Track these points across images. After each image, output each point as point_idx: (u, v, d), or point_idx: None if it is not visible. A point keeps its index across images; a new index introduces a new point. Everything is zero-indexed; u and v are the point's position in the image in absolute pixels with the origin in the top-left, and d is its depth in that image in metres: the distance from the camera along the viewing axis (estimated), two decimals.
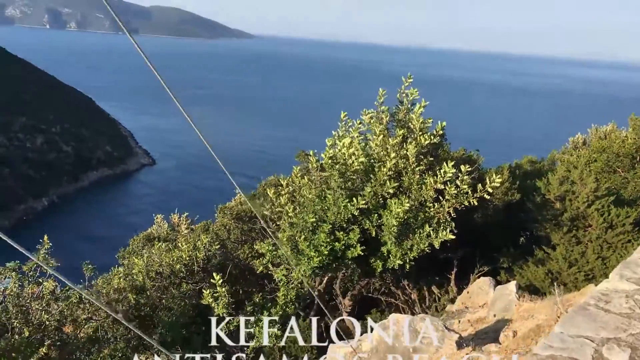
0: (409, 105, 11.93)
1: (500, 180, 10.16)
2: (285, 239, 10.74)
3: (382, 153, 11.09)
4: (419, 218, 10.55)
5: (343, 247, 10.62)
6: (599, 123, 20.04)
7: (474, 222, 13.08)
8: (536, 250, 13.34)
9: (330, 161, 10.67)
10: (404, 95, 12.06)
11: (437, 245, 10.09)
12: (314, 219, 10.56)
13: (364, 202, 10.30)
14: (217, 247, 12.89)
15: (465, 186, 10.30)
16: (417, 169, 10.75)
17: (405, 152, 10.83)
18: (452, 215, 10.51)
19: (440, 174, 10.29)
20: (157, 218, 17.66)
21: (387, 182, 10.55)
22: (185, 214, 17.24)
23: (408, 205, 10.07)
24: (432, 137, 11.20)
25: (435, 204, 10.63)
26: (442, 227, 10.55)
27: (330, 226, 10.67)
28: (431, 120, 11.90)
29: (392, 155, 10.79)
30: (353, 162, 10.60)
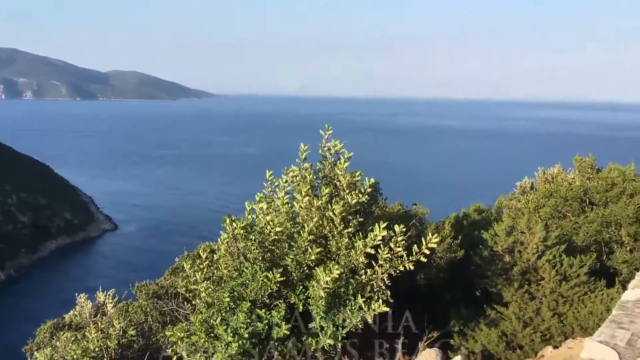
0: (332, 160, 10.91)
1: (437, 240, 9.07)
2: (197, 322, 9.33)
3: (306, 217, 9.93)
4: (350, 287, 9.33)
5: (266, 326, 9.29)
6: (547, 164, 19.49)
7: (417, 285, 11.92)
8: (488, 309, 12.21)
9: (243, 231, 9.43)
10: (326, 149, 11.06)
11: (370, 320, 8.84)
12: (228, 299, 9.23)
13: (280, 274, 9.03)
14: (132, 333, 11.35)
15: (400, 249, 9.17)
16: (345, 231, 9.60)
17: (330, 213, 9.70)
18: (386, 282, 9.33)
19: (371, 237, 9.16)
20: (79, 298, 15.95)
21: (309, 248, 9.35)
22: (111, 291, 15.62)
23: (337, 272, 8.86)
24: (359, 195, 10.12)
25: (368, 270, 9.45)
26: (375, 297, 9.35)
27: (250, 304, 9.35)
28: (359, 173, 10.89)
29: (315, 218, 9.64)
30: (270, 230, 9.41)
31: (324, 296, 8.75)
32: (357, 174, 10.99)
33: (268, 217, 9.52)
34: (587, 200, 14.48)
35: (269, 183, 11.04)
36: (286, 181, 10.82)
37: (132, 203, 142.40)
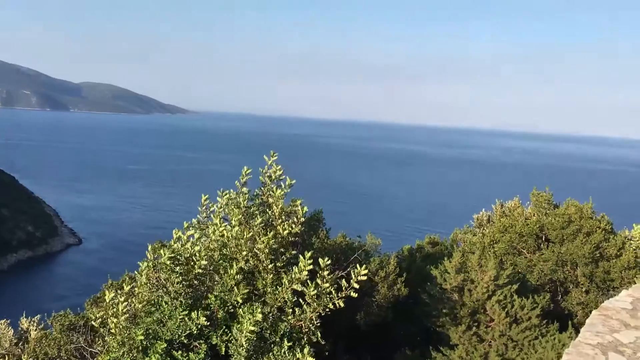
0: (272, 187, 10.09)
1: (365, 272, 8.26)
2: None
3: (235, 249, 9.04)
4: (277, 329, 8.44)
5: None
6: (511, 195, 18.95)
7: (357, 325, 11.07)
8: (434, 352, 11.41)
9: (169, 261, 8.49)
10: (267, 175, 10.25)
11: None
12: (142, 337, 8.25)
13: (204, 316, 8.10)
14: None
15: (327, 285, 8.33)
16: (270, 266, 8.73)
17: (260, 245, 8.82)
18: (315, 322, 8.46)
19: (296, 271, 8.31)
20: (1, 324, 14.64)
21: (235, 287, 8.45)
22: (36, 317, 14.38)
23: (260, 315, 7.97)
24: (292, 226, 9.30)
25: (297, 309, 8.59)
26: (304, 339, 8.48)
27: (165, 344, 8.38)
28: (299, 202, 10.08)
29: (244, 252, 8.76)
30: (195, 263, 8.50)
31: (244, 345, 7.83)
32: (297, 202, 10.20)
33: (196, 248, 8.60)
34: (543, 237, 13.92)
35: (204, 208, 10.18)
36: (221, 206, 9.97)
37: (99, 218, 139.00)
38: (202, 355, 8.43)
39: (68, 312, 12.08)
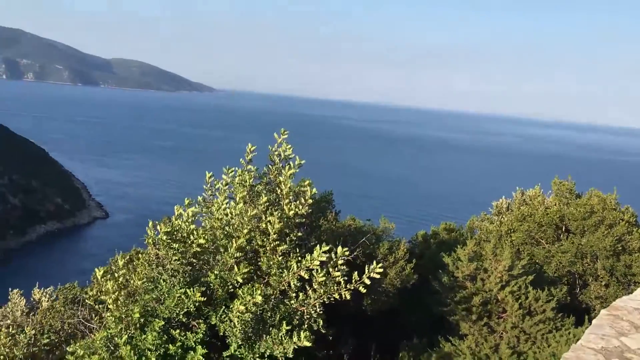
0: (281, 165, 9.80)
1: (380, 270, 7.93)
2: (100, 340, 8.18)
3: (238, 226, 8.78)
4: (278, 312, 8.20)
5: (179, 350, 8.15)
6: (531, 184, 18.32)
7: (363, 310, 10.78)
8: (442, 341, 11.09)
9: (166, 237, 8.30)
10: (276, 153, 9.95)
11: (289, 354, 7.70)
12: (138, 314, 8.10)
13: (201, 293, 7.89)
14: (45, 341, 10.19)
15: (338, 274, 8.03)
16: (279, 248, 8.47)
17: (265, 224, 8.56)
18: (319, 310, 8.19)
19: (308, 259, 8.01)
20: (12, 294, 14.73)
21: (236, 266, 8.22)
22: (49, 288, 14.44)
23: (260, 297, 7.73)
24: (299, 207, 9.00)
25: (300, 294, 8.32)
26: (305, 325, 8.23)
27: (163, 323, 8.22)
28: (308, 182, 9.79)
29: (245, 230, 8.50)
30: (193, 241, 8.28)
31: (237, 325, 7.61)
32: (306, 182, 9.90)
33: (192, 226, 8.38)
34: (563, 228, 13.38)
35: (208, 185, 9.96)
36: (226, 184, 9.74)
37: (126, 192, 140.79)
38: (201, 335, 8.25)
39: (75, 284, 12.05)
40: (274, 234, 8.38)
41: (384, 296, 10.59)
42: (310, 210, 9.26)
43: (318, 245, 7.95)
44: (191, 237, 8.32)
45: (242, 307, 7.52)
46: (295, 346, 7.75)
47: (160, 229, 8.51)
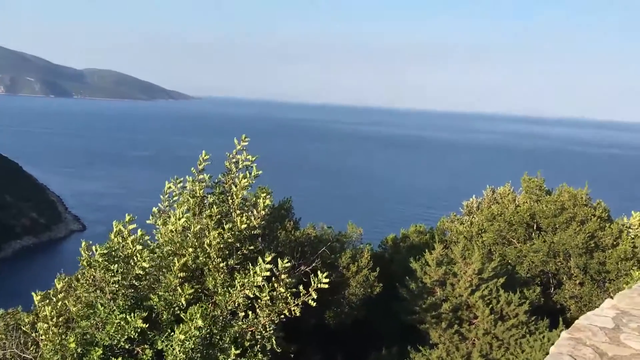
0: (236, 174, 9.16)
1: (327, 280, 7.34)
2: None
3: (181, 244, 8.11)
4: (227, 335, 7.56)
5: None
6: (504, 182, 17.85)
7: (326, 324, 10.18)
8: (412, 351, 10.54)
9: (102, 259, 7.58)
10: (234, 161, 9.30)
11: None
12: (74, 344, 7.39)
13: (142, 318, 7.20)
14: None
15: (283, 289, 7.42)
16: (222, 265, 7.82)
17: (208, 241, 7.90)
18: (269, 329, 7.56)
19: (250, 275, 7.39)
20: None
21: (179, 287, 7.56)
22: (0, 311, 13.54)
23: (201, 320, 7.08)
24: (250, 219, 8.37)
25: (250, 313, 7.69)
26: (257, 347, 7.61)
27: (105, 350, 7.53)
28: (265, 192, 9.17)
29: (190, 248, 7.86)
30: (135, 263, 7.60)
31: (180, 354, 6.94)
32: (263, 192, 9.27)
33: (138, 247, 7.68)
34: (535, 226, 12.95)
35: (166, 196, 9.26)
36: (176, 195, 9.07)
37: (103, 204, 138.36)
38: None
39: (19, 309, 11.24)
40: (218, 250, 7.75)
41: (347, 308, 10.01)
42: (263, 222, 8.65)
43: (260, 259, 7.34)
44: (134, 259, 7.63)
45: (182, 337, 6.86)
46: None
47: (96, 250, 7.80)
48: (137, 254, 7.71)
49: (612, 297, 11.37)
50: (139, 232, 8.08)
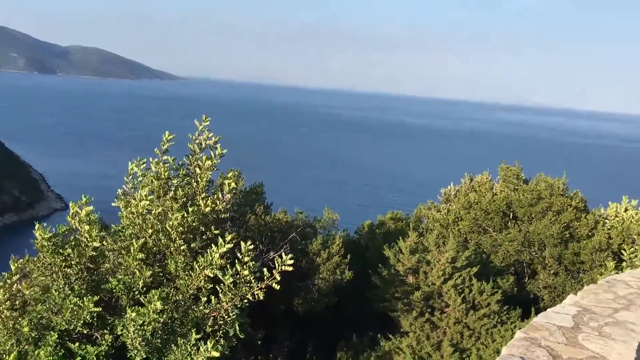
0: (201, 156, 8.88)
1: (291, 262, 7.13)
2: None
3: (142, 227, 7.84)
4: (187, 320, 7.34)
5: None
6: (483, 169, 17.71)
7: (295, 309, 9.99)
8: (382, 340, 10.41)
9: (49, 243, 7.22)
10: (197, 142, 9.03)
11: None
12: (27, 328, 7.12)
13: (95, 302, 6.93)
14: None
15: (246, 272, 7.20)
16: (183, 247, 7.57)
17: (170, 224, 7.63)
18: (232, 314, 7.34)
19: (209, 255, 7.16)
20: None
21: (137, 271, 7.30)
22: None
23: (160, 304, 6.84)
24: (216, 202, 8.13)
25: (213, 298, 7.47)
26: (220, 332, 7.40)
27: (61, 335, 7.27)
28: (233, 174, 8.93)
29: (150, 230, 7.59)
30: (87, 243, 7.31)
31: (136, 338, 6.71)
32: (230, 174, 9.02)
33: (86, 227, 7.39)
34: (511, 215, 12.84)
35: (130, 177, 8.96)
36: (140, 176, 8.79)
37: (87, 183, 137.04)
38: (105, 347, 7.34)
39: None
40: (181, 233, 7.50)
41: (317, 294, 9.82)
42: (228, 205, 8.39)
43: (220, 239, 7.11)
44: (85, 239, 7.33)
45: (138, 319, 6.62)
46: (206, 358, 6.91)
47: (41, 234, 7.45)
48: (87, 235, 7.43)
49: (584, 287, 11.31)
50: (85, 210, 7.76)
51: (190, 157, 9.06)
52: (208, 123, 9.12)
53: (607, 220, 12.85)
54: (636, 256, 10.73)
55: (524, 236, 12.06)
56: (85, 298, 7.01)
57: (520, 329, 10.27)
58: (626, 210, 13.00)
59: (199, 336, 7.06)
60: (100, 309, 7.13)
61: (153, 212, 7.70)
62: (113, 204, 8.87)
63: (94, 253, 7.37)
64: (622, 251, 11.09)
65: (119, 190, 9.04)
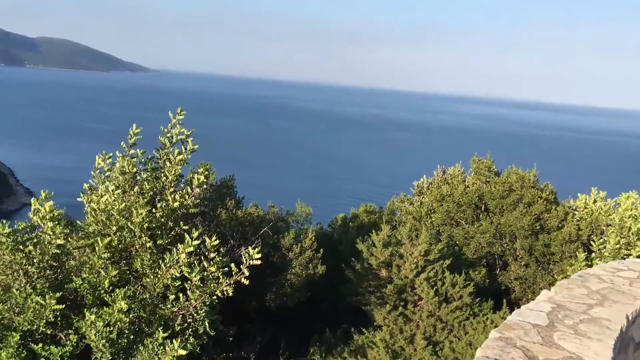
0: (171, 150, 8.66)
1: (259, 256, 7.01)
2: None
3: (106, 224, 7.61)
4: (154, 319, 7.16)
5: None
6: (455, 162, 17.77)
7: (267, 306, 9.87)
8: (355, 334, 10.36)
9: (8, 240, 6.94)
10: (168, 135, 8.80)
11: None
12: None
13: (57, 300, 6.71)
14: None
15: (213, 268, 7.05)
16: (149, 244, 7.38)
17: (136, 219, 7.42)
18: (200, 312, 7.18)
19: (175, 253, 6.99)
20: None
21: (102, 270, 7.08)
22: None
23: (125, 303, 6.65)
24: (184, 197, 7.94)
25: (181, 295, 7.29)
26: (189, 330, 7.24)
27: (19, 337, 7.01)
28: (204, 168, 8.74)
29: (115, 227, 7.38)
30: (50, 240, 7.06)
31: (100, 339, 6.51)
32: (201, 169, 8.82)
33: (49, 224, 7.13)
34: (483, 207, 12.90)
35: (97, 172, 8.68)
36: (108, 171, 8.54)
37: (57, 177, 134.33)
38: (70, 348, 7.12)
39: None
40: (147, 229, 7.30)
41: (289, 289, 9.71)
42: (198, 200, 8.21)
43: (187, 236, 6.95)
44: (48, 237, 7.08)
45: (93, 317, 6.42)
46: (174, 357, 6.75)
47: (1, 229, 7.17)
48: (50, 231, 7.18)
49: (554, 279, 11.39)
50: (47, 206, 7.50)
51: (160, 150, 8.84)
52: (182, 117, 8.90)
53: (576, 212, 13.00)
54: (605, 247, 10.86)
55: (496, 228, 12.13)
56: (47, 296, 6.77)
57: (492, 321, 10.33)
58: (595, 201, 13.17)
59: (166, 335, 6.89)
60: (64, 306, 6.90)
61: (117, 207, 7.47)
62: (79, 199, 8.62)
63: (58, 251, 7.13)
64: (592, 242, 11.22)
65: (85, 184, 8.80)
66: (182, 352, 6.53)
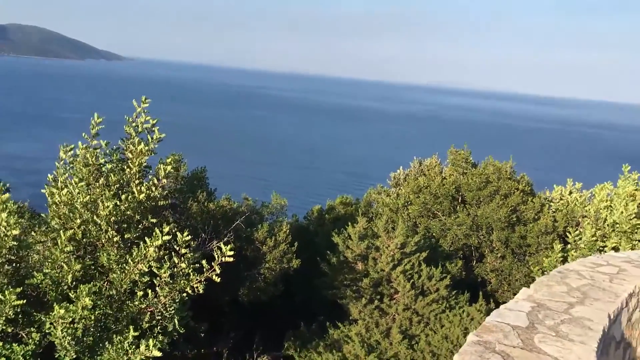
0: (136, 140, 8.33)
1: (232, 253, 6.76)
2: None
3: (68, 217, 7.28)
4: (121, 316, 6.88)
5: None
6: (432, 153, 17.65)
7: (240, 301, 9.64)
8: (331, 328, 10.19)
9: None
10: (133, 125, 8.46)
11: None
12: None
13: (18, 295, 6.39)
14: None
15: (184, 265, 6.79)
16: (116, 238, 7.08)
17: (102, 212, 7.10)
18: (170, 309, 6.93)
19: (143, 248, 6.71)
20: None
21: (65, 265, 6.77)
22: None
23: (89, 299, 6.35)
24: (151, 189, 7.64)
25: (150, 292, 7.02)
26: (158, 328, 6.98)
27: None
28: (172, 159, 8.44)
29: (78, 220, 7.06)
30: (6, 233, 6.72)
31: (65, 336, 6.22)
32: (169, 159, 8.50)
33: (3, 215, 6.78)
34: (460, 199, 12.82)
35: (62, 163, 8.32)
36: (71, 162, 8.18)
37: (28, 167, 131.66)
38: (32, 346, 6.80)
39: None
40: (113, 223, 6.99)
41: (263, 283, 9.49)
42: (165, 192, 7.92)
43: (157, 231, 6.68)
44: (3, 228, 6.72)
45: (62, 311, 6.13)
46: (143, 357, 6.48)
47: None
48: (5, 223, 6.82)
49: (530, 270, 11.31)
50: (3, 197, 7.13)
51: (126, 140, 8.50)
52: (147, 105, 8.58)
53: (552, 204, 13.00)
54: (580, 239, 10.85)
55: (472, 220, 12.05)
56: (6, 291, 6.44)
57: (468, 313, 10.23)
58: (570, 193, 13.19)
59: (137, 333, 6.62)
60: (25, 301, 6.57)
61: (80, 200, 7.14)
62: (42, 191, 8.27)
63: (15, 243, 6.78)
64: (567, 234, 11.21)
65: (49, 175, 8.44)
66: (157, 353, 6.27)
